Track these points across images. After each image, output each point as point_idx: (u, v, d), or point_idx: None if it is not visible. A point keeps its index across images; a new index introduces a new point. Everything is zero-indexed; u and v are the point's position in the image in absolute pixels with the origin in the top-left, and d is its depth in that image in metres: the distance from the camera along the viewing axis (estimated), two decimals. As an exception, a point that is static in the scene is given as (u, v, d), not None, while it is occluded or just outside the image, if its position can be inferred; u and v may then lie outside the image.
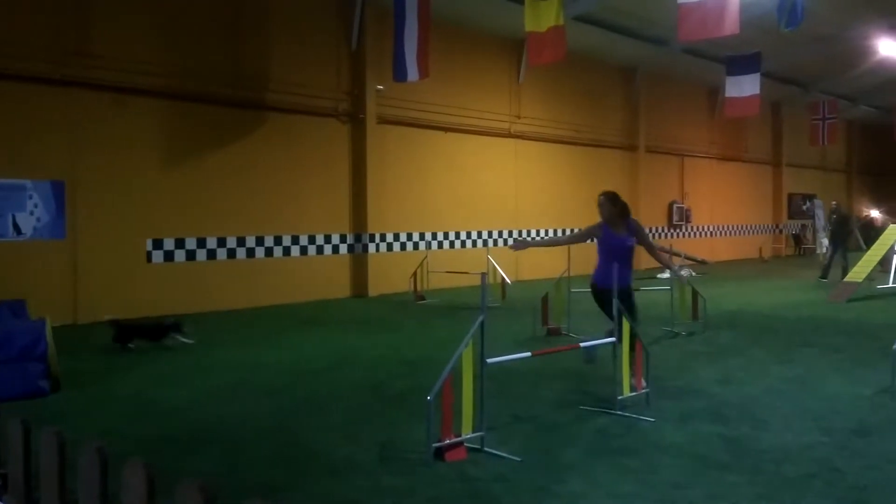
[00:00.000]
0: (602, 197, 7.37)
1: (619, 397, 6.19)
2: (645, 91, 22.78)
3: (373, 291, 15.60)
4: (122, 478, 2.06)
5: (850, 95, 29.19)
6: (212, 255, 13.53)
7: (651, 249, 7.53)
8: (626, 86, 22.50)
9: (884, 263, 16.42)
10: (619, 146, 22.30)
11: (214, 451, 5.32)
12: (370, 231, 15.68)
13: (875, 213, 33.72)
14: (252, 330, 11.15)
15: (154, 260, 12.83)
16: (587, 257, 18.91)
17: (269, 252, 14.33)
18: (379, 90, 15.63)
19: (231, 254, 13.79)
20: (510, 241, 18.78)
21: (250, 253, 14.06)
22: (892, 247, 16.45)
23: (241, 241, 13.92)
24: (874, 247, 16.07)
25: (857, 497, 4.34)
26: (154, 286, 12.73)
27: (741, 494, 4.40)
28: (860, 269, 15.01)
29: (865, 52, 21.93)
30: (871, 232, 25.38)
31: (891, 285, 16.21)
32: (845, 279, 15.20)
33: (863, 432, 5.61)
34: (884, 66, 23.32)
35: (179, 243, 13.12)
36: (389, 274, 15.75)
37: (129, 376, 7.88)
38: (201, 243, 13.39)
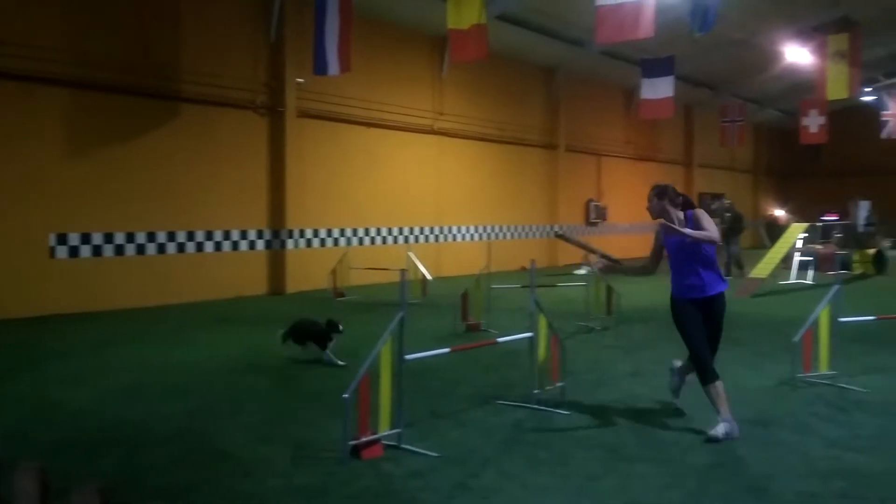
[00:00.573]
0: (650, 192, 5.88)
1: (536, 391, 6.28)
2: (565, 91, 23.19)
3: (290, 288, 15.35)
4: (14, 483, 1.95)
5: (758, 99, 30.48)
6: (120, 250, 13.02)
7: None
8: (547, 85, 22.85)
9: (786, 260, 17.22)
10: (540, 145, 22.63)
11: (119, 453, 5.12)
12: (288, 227, 15.41)
13: (779, 213, 35.33)
14: (162, 328, 10.79)
15: (58, 255, 12.26)
16: (507, 253, 19.12)
17: (181, 248, 13.90)
18: (299, 83, 15.38)
19: (140, 249, 13.31)
20: (432, 237, 18.89)
21: (161, 249, 13.61)
22: (794, 244, 17.29)
23: (151, 237, 13.46)
24: (778, 244, 16.83)
25: (759, 485, 4.52)
26: (58, 283, 12.16)
27: (650, 484, 4.53)
28: (764, 266, 15.68)
29: (773, 57, 22.92)
30: (776, 230, 26.56)
31: (792, 281, 17.02)
32: (750, 275, 15.83)
33: (765, 423, 5.86)
34: (790, 71, 24.42)
35: (85, 238, 12.58)
36: (308, 270, 15.51)
37: (31, 377, 7.51)
38: (109, 238, 12.87)
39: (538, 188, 22.70)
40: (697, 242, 5.57)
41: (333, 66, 13.37)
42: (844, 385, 6.91)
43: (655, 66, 19.69)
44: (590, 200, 24.87)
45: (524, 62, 21.52)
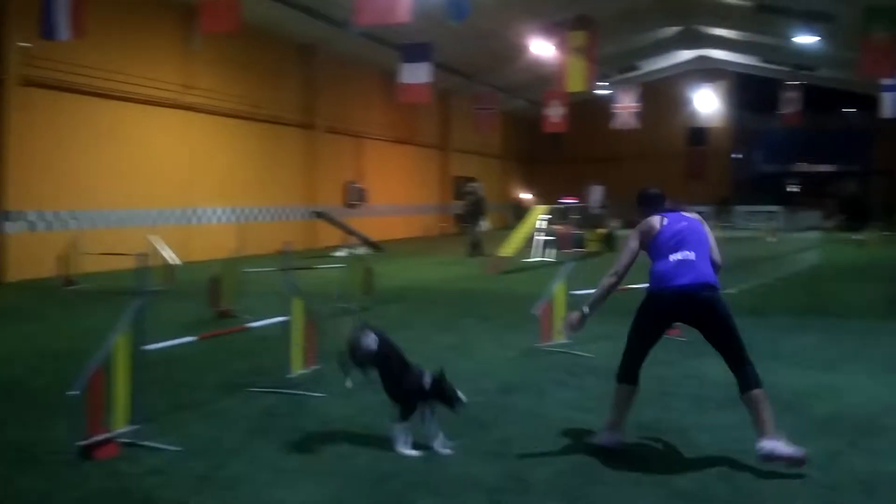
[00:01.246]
0: None
1: (289, 376, 6.16)
2: (325, 71, 22.93)
3: (11, 276, 13.64)
4: None
5: (508, 88, 32.28)
6: None
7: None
8: (306, 64, 22.45)
9: (530, 239, 18.56)
10: (298, 124, 22.23)
11: None
12: (8, 208, 13.67)
13: (524, 196, 37.99)
14: None
15: None
16: (264, 235, 18.55)
17: None
18: (24, 48, 13.64)
19: None
20: (181, 219, 17.76)
21: None
22: (536, 225, 18.68)
23: None
24: (522, 225, 18.10)
25: (499, 449, 4.80)
26: None
27: (398, 454, 4.65)
28: (510, 245, 16.78)
29: (521, 49, 24.38)
30: (521, 212, 28.48)
31: (535, 259, 18.38)
32: (499, 254, 16.80)
33: (507, 390, 6.25)
34: (535, 64, 26.10)
35: None
36: (32, 256, 13.84)
37: None
38: None
39: (296, 169, 22.29)
40: None
41: (64, 30, 12.09)
42: (577, 352, 7.57)
43: (414, 52, 20.09)
44: (350, 182, 24.95)
45: (281, 39, 20.96)
